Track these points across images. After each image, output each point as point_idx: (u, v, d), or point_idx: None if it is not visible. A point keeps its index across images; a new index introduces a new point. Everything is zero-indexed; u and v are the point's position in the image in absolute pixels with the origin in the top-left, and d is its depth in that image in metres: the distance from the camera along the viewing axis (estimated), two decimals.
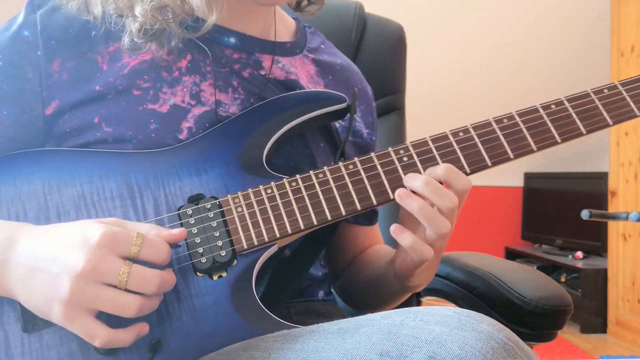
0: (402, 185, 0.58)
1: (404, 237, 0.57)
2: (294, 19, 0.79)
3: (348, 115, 0.68)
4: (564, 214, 3.26)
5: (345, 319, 0.48)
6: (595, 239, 3.05)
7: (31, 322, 0.52)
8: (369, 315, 0.47)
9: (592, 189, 3.13)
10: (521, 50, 3.26)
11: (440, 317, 0.43)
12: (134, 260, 0.49)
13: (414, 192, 0.57)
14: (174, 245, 0.53)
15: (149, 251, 0.49)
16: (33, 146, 0.61)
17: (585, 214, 1.19)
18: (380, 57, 1.08)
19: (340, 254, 0.83)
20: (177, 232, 0.53)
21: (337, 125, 0.74)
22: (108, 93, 0.61)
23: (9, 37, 0.62)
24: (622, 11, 2.82)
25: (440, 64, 3.18)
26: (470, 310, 0.44)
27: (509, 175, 3.54)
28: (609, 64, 2.91)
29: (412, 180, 0.57)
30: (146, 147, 0.61)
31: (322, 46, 0.78)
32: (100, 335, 0.48)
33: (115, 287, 0.48)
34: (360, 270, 0.80)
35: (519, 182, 3.57)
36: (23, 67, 0.61)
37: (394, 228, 0.58)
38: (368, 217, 0.82)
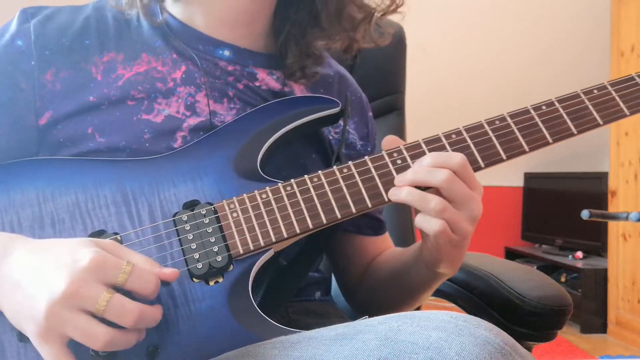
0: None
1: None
2: None
3: (342, 121, 0.68)
4: (564, 214, 3.26)
5: (343, 324, 0.48)
6: (595, 239, 3.05)
7: None
8: (367, 320, 0.47)
9: (592, 189, 3.13)
10: (521, 50, 3.26)
11: (437, 323, 0.43)
12: (120, 289, 0.46)
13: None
14: (164, 283, 0.50)
15: (137, 281, 0.46)
16: (26, 156, 0.61)
17: (585, 214, 1.18)
18: (380, 57, 1.07)
19: (351, 266, 0.81)
20: (170, 271, 0.49)
21: (330, 137, 0.74)
22: (102, 104, 0.61)
23: (2, 47, 0.61)
24: (622, 11, 2.82)
25: (440, 64, 3.18)
26: (468, 315, 0.45)
27: (509, 175, 3.54)
28: (609, 64, 2.91)
29: (399, 182, 0.57)
30: (140, 157, 0.60)
31: None
32: None
33: (94, 315, 0.45)
34: (378, 271, 0.78)
35: (519, 182, 3.57)
36: (16, 77, 0.60)
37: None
38: (373, 227, 0.80)
